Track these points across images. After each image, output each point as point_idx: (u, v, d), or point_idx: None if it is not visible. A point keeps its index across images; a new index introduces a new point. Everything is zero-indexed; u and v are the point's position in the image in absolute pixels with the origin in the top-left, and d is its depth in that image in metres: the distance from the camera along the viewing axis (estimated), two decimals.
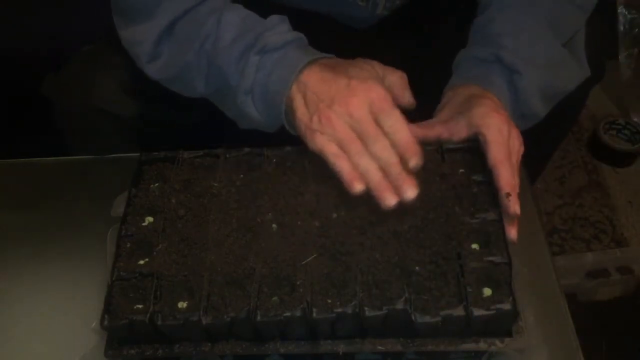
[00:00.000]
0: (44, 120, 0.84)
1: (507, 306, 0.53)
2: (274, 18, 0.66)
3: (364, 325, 0.55)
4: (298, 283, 0.56)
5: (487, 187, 0.62)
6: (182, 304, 0.56)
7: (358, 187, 0.56)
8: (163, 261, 0.59)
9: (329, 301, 0.55)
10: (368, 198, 0.61)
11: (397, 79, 0.62)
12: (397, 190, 0.55)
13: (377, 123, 0.57)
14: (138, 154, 0.69)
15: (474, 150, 0.64)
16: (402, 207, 0.60)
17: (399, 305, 0.53)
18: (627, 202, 1.40)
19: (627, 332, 1.16)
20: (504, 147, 0.60)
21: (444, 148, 0.65)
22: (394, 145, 0.56)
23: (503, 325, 0.56)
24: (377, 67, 0.63)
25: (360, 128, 0.57)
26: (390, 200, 0.55)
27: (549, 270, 0.66)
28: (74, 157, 0.84)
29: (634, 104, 1.50)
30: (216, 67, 0.65)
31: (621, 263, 1.21)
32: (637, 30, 1.40)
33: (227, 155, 0.67)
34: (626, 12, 1.39)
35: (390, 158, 0.56)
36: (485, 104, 0.63)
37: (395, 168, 0.55)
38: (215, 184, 0.64)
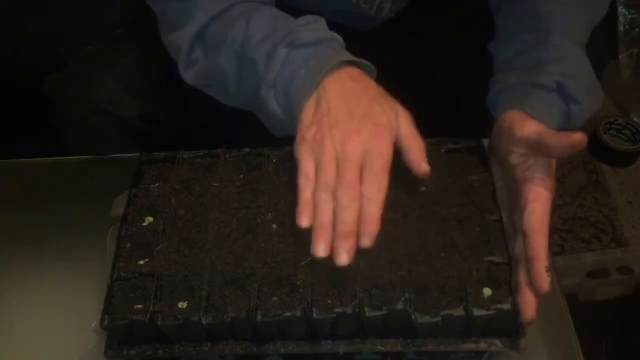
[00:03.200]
0: (44, 120, 0.84)
1: (507, 306, 0.53)
2: (309, 16, 0.63)
3: (364, 326, 0.55)
4: (298, 283, 0.56)
5: (487, 187, 0.62)
6: (182, 304, 0.56)
7: (304, 222, 0.51)
8: (163, 261, 0.59)
9: (329, 301, 0.54)
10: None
11: (417, 147, 0.55)
12: (333, 247, 0.50)
13: (361, 174, 0.52)
14: (138, 154, 0.69)
15: (474, 150, 0.64)
16: (402, 208, 0.61)
17: (399, 306, 0.53)
18: (627, 202, 1.40)
19: (627, 332, 1.16)
20: (547, 214, 0.55)
21: (444, 148, 0.65)
22: (357, 211, 0.51)
23: (503, 325, 0.56)
24: (403, 121, 0.56)
25: (344, 166, 0.52)
26: (319, 251, 0.50)
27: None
28: (74, 157, 0.84)
29: (633, 104, 1.50)
30: (246, 66, 0.62)
31: (621, 263, 1.21)
32: (637, 30, 1.40)
33: (227, 155, 0.67)
34: (626, 12, 1.39)
35: (349, 212, 0.50)
36: (543, 166, 0.58)
37: (346, 226, 0.50)
38: (215, 184, 0.64)
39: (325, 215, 0.51)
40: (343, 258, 0.49)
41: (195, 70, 0.67)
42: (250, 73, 0.62)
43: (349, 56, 0.59)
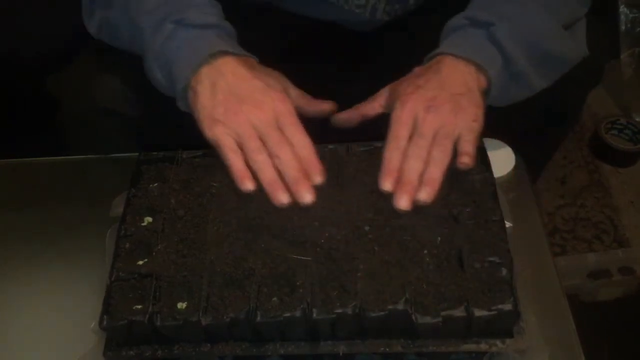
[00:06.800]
0: (44, 120, 0.84)
1: (508, 307, 0.53)
2: None
3: (364, 326, 0.55)
4: (298, 283, 0.55)
5: (488, 187, 0.61)
6: (181, 305, 0.56)
7: (248, 185, 0.58)
8: (162, 261, 0.59)
9: (329, 302, 0.54)
10: (369, 198, 0.61)
11: (307, 103, 0.65)
12: (294, 193, 0.57)
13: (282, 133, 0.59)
14: (138, 154, 0.68)
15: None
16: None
17: (400, 306, 0.53)
18: (629, 202, 1.40)
19: (629, 332, 1.16)
20: (405, 127, 0.59)
21: None
22: (296, 157, 0.58)
23: (504, 326, 0.55)
24: (289, 85, 0.65)
25: (265, 131, 0.58)
26: (283, 198, 0.57)
27: (551, 271, 0.66)
28: (74, 157, 0.84)
29: (635, 104, 1.50)
30: (135, 30, 0.65)
31: (623, 263, 1.21)
32: (638, 29, 1.40)
33: None
34: (628, 12, 1.38)
35: (292, 160, 0.57)
36: (412, 83, 0.62)
37: (294, 171, 0.57)
38: (215, 184, 0.64)
39: (270, 170, 0.58)
40: (308, 197, 0.57)
41: (94, 21, 0.69)
42: (139, 38, 0.65)
43: (233, 47, 0.63)
